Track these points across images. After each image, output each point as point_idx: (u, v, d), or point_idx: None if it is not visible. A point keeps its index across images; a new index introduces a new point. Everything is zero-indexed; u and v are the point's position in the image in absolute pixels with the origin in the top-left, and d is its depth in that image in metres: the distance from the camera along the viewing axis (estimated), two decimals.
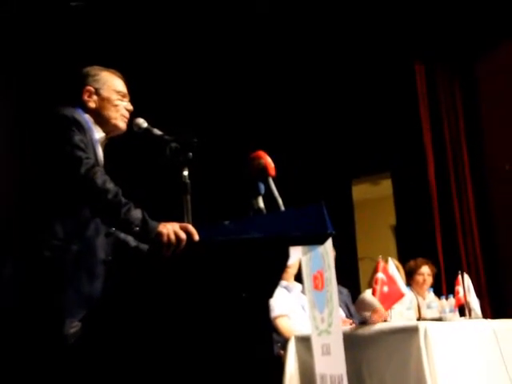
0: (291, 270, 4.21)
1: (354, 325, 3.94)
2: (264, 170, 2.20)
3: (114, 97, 2.38)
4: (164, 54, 5.81)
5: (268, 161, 2.21)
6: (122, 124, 2.39)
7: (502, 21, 5.49)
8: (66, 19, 5.26)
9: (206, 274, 2.04)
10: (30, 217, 2.21)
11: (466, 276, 3.81)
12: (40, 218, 2.16)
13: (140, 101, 2.53)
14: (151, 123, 2.36)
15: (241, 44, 5.82)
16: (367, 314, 3.38)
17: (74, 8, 5.18)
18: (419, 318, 3.68)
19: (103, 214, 2.07)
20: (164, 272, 2.03)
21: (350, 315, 4.63)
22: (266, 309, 2.74)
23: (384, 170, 6.42)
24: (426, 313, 3.67)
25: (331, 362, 2.99)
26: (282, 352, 3.84)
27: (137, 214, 1.99)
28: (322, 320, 3.08)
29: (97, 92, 2.36)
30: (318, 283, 3.14)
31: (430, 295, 3.95)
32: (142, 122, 2.35)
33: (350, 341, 3.14)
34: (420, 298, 4.75)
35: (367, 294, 3.60)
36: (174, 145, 2.21)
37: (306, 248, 2.47)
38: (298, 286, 4.28)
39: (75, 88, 2.37)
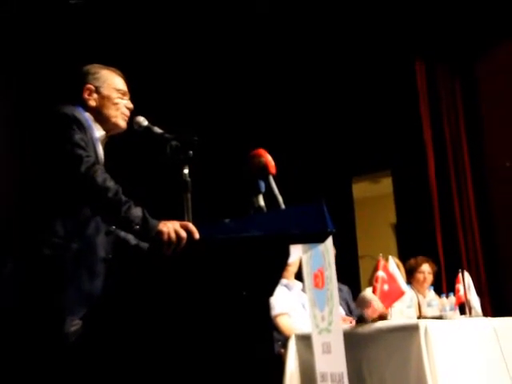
0: (292, 268, 4.21)
1: (353, 322, 3.94)
2: (264, 168, 2.20)
3: (115, 95, 2.37)
4: (164, 53, 5.81)
5: (268, 159, 2.21)
6: (123, 122, 2.39)
7: (502, 21, 5.49)
8: (65, 17, 5.26)
9: (206, 273, 2.04)
10: (30, 216, 2.20)
11: (466, 274, 3.81)
12: (40, 216, 2.15)
13: (140, 99, 2.53)
14: (151, 121, 2.35)
15: (241, 43, 5.82)
16: (365, 311, 3.39)
17: (73, 6, 5.18)
18: (419, 316, 3.68)
19: (103, 213, 2.07)
20: (164, 270, 2.02)
21: (349, 313, 4.63)
22: (266, 307, 2.74)
23: (384, 169, 6.42)
24: (426, 311, 3.67)
25: (332, 361, 2.99)
26: (282, 350, 3.85)
27: (137, 212, 1.99)
28: (323, 318, 3.08)
29: (97, 90, 2.36)
30: (319, 281, 3.14)
31: (431, 293, 3.95)
32: (143, 121, 2.34)
33: (350, 339, 3.14)
34: (420, 296, 4.75)
35: (367, 292, 3.60)
36: (174, 143, 2.20)
37: (306, 246, 2.47)
38: (299, 284, 4.28)
39: (75, 86, 2.36)
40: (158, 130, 2.32)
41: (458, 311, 3.56)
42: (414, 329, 3.04)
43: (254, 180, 2.20)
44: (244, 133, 5.89)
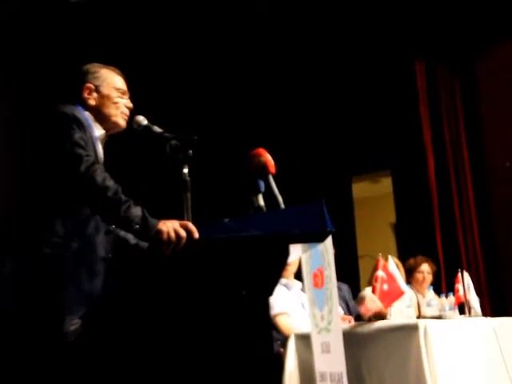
0: (291, 268, 4.21)
1: (352, 321, 3.94)
2: (264, 167, 2.20)
3: (114, 94, 2.37)
4: (164, 52, 5.81)
5: (268, 158, 2.21)
6: (122, 121, 2.39)
7: (502, 20, 5.49)
8: (65, 16, 5.26)
9: (205, 272, 2.03)
10: (29, 215, 2.21)
11: (465, 274, 3.81)
12: (40, 216, 2.15)
13: (140, 98, 2.53)
14: (151, 120, 2.35)
15: (241, 43, 5.82)
16: (359, 309, 3.40)
17: (73, 5, 5.18)
18: (419, 316, 3.69)
19: (103, 212, 2.07)
20: (164, 270, 2.02)
21: (348, 312, 4.63)
22: (265, 307, 2.74)
23: (384, 168, 6.42)
24: (425, 311, 3.67)
25: (331, 360, 2.99)
26: (281, 350, 3.85)
27: (137, 211, 1.99)
28: (322, 318, 3.08)
29: (97, 89, 2.36)
30: (318, 281, 3.14)
31: (430, 293, 3.95)
32: (142, 120, 2.34)
33: (349, 339, 3.14)
34: (420, 296, 4.75)
35: (367, 292, 3.60)
36: (174, 142, 2.20)
37: (305, 246, 2.46)
38: (298, 283, 4.28)
39: (75, 85, 2.37)
40: (157, 129, 2.32)
41: (457, 311, 3.56)
42: (413, 328, 3.04)
43: (254, 179, 2.20)
44: (244, 132, 5.89)
